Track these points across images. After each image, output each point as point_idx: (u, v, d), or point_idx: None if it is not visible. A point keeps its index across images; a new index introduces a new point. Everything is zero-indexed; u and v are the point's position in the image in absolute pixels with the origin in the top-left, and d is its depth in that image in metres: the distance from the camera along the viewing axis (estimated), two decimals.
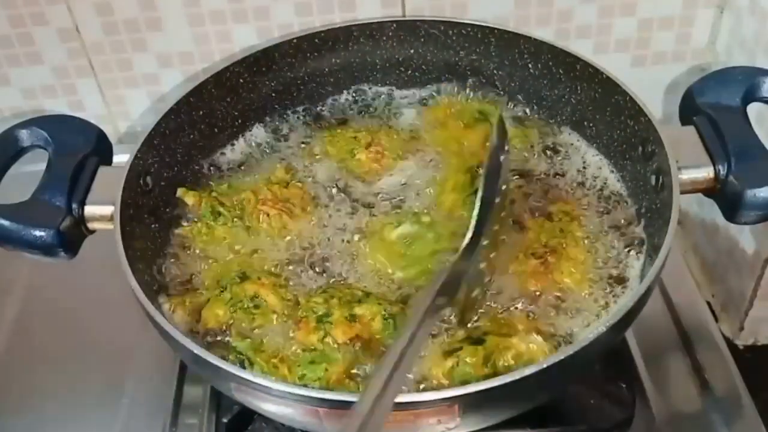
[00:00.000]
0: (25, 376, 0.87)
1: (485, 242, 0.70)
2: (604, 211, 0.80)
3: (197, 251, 0.79)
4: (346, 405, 0.60)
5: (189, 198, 0.80)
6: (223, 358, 0.66)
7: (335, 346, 0.68)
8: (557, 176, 0.84)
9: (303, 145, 0.89)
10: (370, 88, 0.94)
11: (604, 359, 0.77)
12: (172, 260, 0.78)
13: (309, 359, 0.68)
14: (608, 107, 0.81)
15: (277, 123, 0.92)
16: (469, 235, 0.69)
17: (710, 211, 0.94)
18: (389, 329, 0.69)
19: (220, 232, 0.79)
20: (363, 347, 0.69)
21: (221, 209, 0.79)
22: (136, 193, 0.76)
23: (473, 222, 0.70)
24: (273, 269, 0.76)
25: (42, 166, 0.74)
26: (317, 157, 0.87)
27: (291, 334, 0.70)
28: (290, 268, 0.77)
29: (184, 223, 0.81)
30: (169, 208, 0.81)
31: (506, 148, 0.77)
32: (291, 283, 0.75)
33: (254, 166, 0.87)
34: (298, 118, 0.92)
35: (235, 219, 0.79)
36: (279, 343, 0.70)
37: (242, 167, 0.87)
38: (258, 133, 0.91)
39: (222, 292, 0.73)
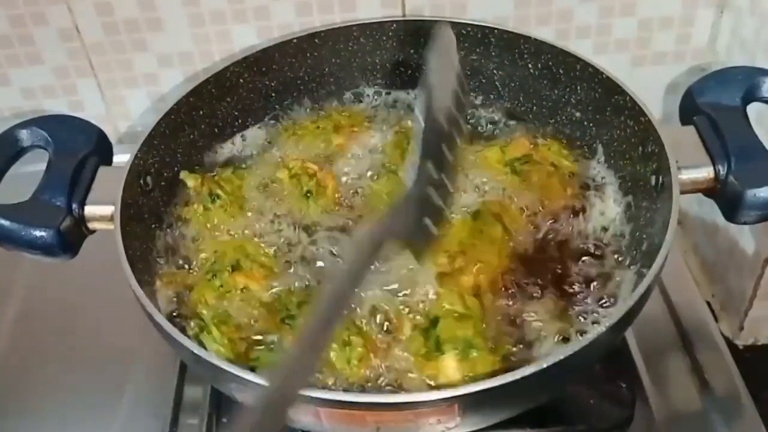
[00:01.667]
0: (25, 376, 0.87)
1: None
2: (604, 211, 0.80)
3: (195, 240, 0.79)
4: (347, 405, 0.60)
5: (190, 180, 0.81)
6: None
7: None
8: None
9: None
10: (370, 88, 0.94)
11: (604, 359, 0.77)
12: (171, 252, 0.79)
13: (268, 347, 0.69)
14: (608, 107, 0.81)
15: (276, 123, 0.91)
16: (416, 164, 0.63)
17: (710, 211, 0.94)
18: (342, 356, 0.68)
19: (215, 214, 0.80)
20: None
21: (219, 192, 0.80)
22: (136, 193, 0.76)
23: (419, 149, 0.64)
24: (265, 257, 0.77)
25: (42, 166, 0.74)
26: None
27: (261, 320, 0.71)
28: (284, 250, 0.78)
29: (184, 205, 0.81)
30: (169, 207, 0.81)
31: (455, 62, 0.72)
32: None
33: (254, 165, 0.87)
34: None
35: (231, 201, 0.80)
36: (246, 323, 0.71)
37: (242, 166, 0.87)
38: (258, 133, 0.90)
39: (213, 277, 0.74)
